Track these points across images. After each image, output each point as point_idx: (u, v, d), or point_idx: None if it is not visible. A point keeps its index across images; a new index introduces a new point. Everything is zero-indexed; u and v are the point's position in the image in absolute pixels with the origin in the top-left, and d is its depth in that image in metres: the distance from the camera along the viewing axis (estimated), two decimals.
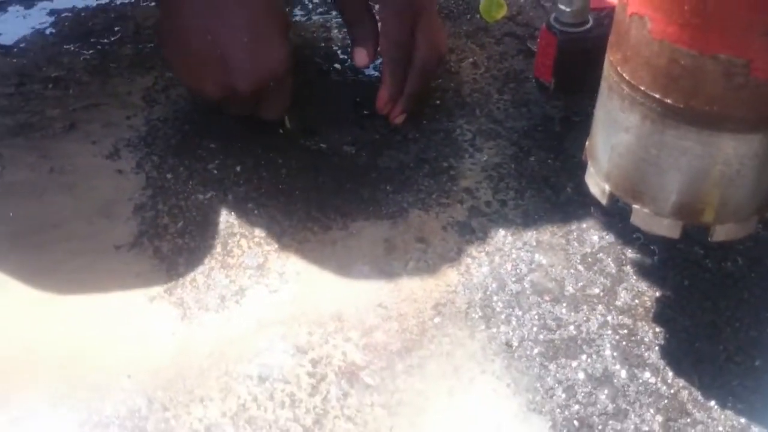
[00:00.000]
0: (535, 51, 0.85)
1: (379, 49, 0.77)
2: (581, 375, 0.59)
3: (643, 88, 0.47)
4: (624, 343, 0.61)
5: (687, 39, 0.44)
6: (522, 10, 0.95)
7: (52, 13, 0.94)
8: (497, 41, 0.91)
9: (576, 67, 0.73)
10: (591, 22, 0.72)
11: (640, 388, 0.59)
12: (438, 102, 0.83)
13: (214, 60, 0.68)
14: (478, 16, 0.94)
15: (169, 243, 0.68)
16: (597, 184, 0.54)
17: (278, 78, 0.70)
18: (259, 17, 0.68)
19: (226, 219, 0.70)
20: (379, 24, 0.77)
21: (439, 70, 0.82)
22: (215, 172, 0.75)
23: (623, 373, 0.59)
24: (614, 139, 0.51)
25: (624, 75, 0.48)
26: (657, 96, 0.47)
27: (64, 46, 0.88)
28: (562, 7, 0.71)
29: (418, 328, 0.61)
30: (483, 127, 0.80)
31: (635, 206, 0.52)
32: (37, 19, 0.92)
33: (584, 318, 0.62)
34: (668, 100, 0.46)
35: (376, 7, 0.78)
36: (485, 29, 0.92)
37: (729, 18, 0.42)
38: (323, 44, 0.89)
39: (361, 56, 0.78)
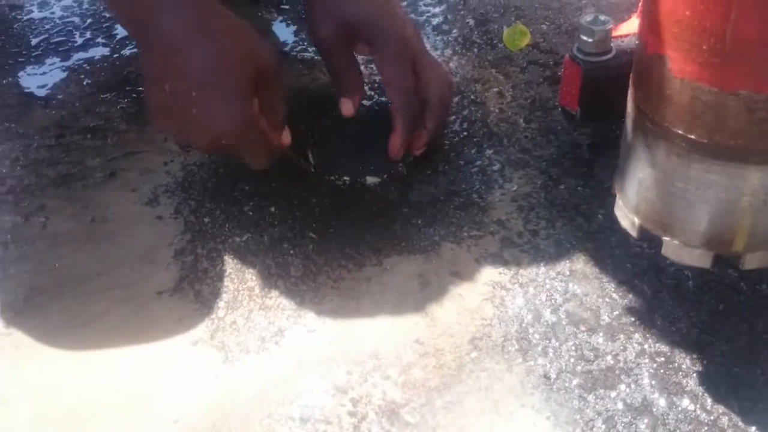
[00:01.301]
0: (560, 76, 0.85)
1: (387, 98, 0.78)
2: (620, 405, 0.59)
3: (666, 125, 0.48)
4: (662, 371, 0.61)
5: (707, 77, 0.44)
6: (545, 37, 0.96)
7: (87, 62, 0.97)
8: (522, 70, 0.92)
9: (601, 96, 0.73)
10: (614, 51, 0.73)
11: (679, 416, 0.59)
12: (465, 133, 0.84)
13: (175, 112, 0.65)
14: (501, 45, 0.95)
15: (209, 287, 0.70)
16: (627, 217, 0.54)
17: (234, 134, 0.65)
18: (214, 70, 0.63)
19: (263, 260, 0.72)
20: (381, 73, 0.77)
21: (453, 99, 0.84)
22: (250, 214, 0.76)
23: (662, 402, 0.59)
24: (641, 174, 0.51)
25: (647, 112, 0.49)
26: (681, 132, 0.47)
27: (101, 96, 0.91)
28: (584, 37, 0.72)
29: (456, 363, 0.62)
30: (511, 156, 0.80)
31: (665, 238, 0.52)
32: (74, 70, 0.96)
33: (621, 347, 0.63)
34: (692, 136, 0.47)
35: (360, 57, 0.80)
36: (509, 58, 0.94)
37: (747, 56, 0.43)
38: None
39: (347, 107, 0.78)
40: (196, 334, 0.66)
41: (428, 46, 0.96)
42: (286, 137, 0.73)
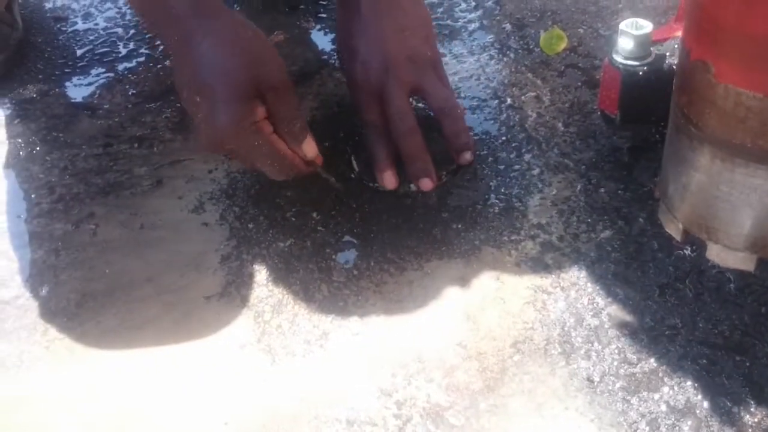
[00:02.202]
0: (599, 80, 0.86)
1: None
2: (664, 407, 0.60)
3: (710, 129, 0.48)
4: (705, 373, 0.61)
5: (751, 83, 0.45)
6: (582, 41, 0.96)
7: (132, 73, 0.99)
8: (559, 74, 0.92)
9: (641, 100, 0.74)
10: (653, 55, 0.73)
11: (723, 418, 0.59)
12: (504, 138, 0.84)
13: (192, 117, 0.69)
14: (538, 49, 0.96)
15: (255, 291, 0.71)
16: (670, 221, 0.55)
17: (235, 139, 0.67)
18: (214, 77, 0.66)
19: (307, 265, 0.73)
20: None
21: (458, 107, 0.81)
22: (293, 219, 0.78)
23: (706, 404, 0.60)
24: (685, 178, 0.52)
25: (691, 117, 0.49)
26: (724, 137, 0.48)
27: (146, 105, 0.93)
28: (624, 42, 0.73)
29: (498, 366, 0.63)
30: (550, 161, 0.81)
31: (709, 241, 0.53)
32: (119, 80, 0.98)
33: (664, 350, 0.63)
34: (736, 141, 0.47)
35: None
36: (546, 62, 0.94)
37: None
38: None
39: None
40: (244, 337, 0.68)
41: (465, 52, 0.97)
42: (311, 149, 0.73)
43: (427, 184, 0.77)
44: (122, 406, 0.63)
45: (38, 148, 0.89)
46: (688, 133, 0.50)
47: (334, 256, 0.74)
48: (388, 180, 0.77)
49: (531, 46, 0.97)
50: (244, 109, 0.66)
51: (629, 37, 0.72)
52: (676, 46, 0.74)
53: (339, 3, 0.80)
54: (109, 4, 1.12)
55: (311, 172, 0.75)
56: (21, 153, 0.89)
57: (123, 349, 0.68)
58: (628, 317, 0.65)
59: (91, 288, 0.73)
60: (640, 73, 0.72)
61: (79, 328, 0.70)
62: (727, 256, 0.52)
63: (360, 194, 0.80)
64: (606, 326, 0.65)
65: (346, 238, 0.75)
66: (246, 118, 0.67)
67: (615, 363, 0.62)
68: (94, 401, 0.64)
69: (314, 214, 0.78)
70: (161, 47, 1.03)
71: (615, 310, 0.66)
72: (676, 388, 0.61)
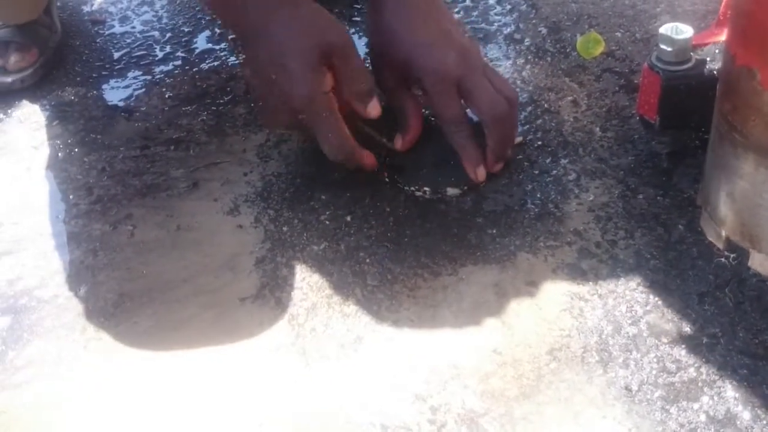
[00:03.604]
0: (637, 85, 0.85)
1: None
2: (703, 417, 0.59)
3: (755, 137, 0.47)
4: (745, 383, 0.60)
5: None
6: (620, 45, 0.95)
7: (168, 76, 1.00)
8: (596, 78, 0.91)
9: (681, 105, 0.73)
10: (693, 60, 0.72)
11: (764, 429, 0.58)
12: (540, 142, 0.84)
13: (260, 95, 0.75)
14: (575, 53, 0.95)
15: (289, 294, 0.71)
16: (713, 229, 0.54)
17: (308, 109, 0.72)
18: (285, 53, 0.71)
19: (340, 269, 0.73)
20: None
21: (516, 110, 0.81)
22: (327, 222, 0.78)
23: (746, 415, 0.58)
24: (729, 186, 0.51)
25: (735, 124, 0.48)
26: None
27: (182, 108, 0.94)
28: (664, 46, 0.72)
29: (534, 373, 0.62)
30: (587, 166, 0.80)
31: (752, 250, 0.52)
32: (155, 83, 0.99)
33: (704, 359, 0.62)
34: None
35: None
36: (583, 66, 0.93)
37: None
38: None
39: (398, 142, 0.82)
40: (278, 339, 0.68)
41: (500, 55, 0.96)
42: (375, 110, 0.76)
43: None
44: (158, 405, 0.64)
45: (76, 150, 0.90)
46: (731, 140, 0.49)
47: (367, 260, 0.74)
48: (482, 173, 0.78)
49: (567, 50, 0.96)
50: (315, 77, 0.71)
51: (669, 41, 0.71)
52: (716, 51, 0.73)
53: (372, 17, 0.80)
54: (145, 8, 1.14)
55: (364, 163, 0.78)
56: (60, 155, 0.90)
57: (159, 349, 0.68)
58: (666, 325, 0.65)
59: (128, 288, 0.74)
60: (681, 77, 0.71)
61: (116, 327, 0.70)
62: None
63: (394, 198, 0.80)
64: (644, 334, 0.64)
65: (380, 241, 0.75)
66: (319, 86, 0.72)
67: (654, 372, 0.61)
68: (131, 400, 0.65)
69: (348, 218, 0.78)
70: (197, 51, 1.04)
71: (654, 318, 0.65)
72: (715, 398, 0.60)
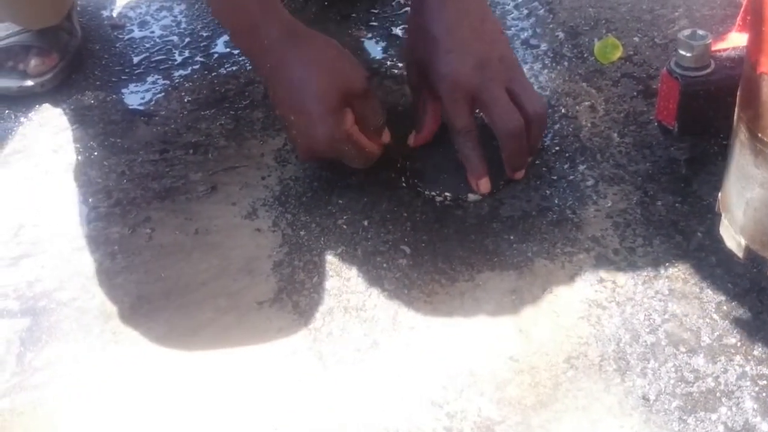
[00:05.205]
0: (655, 90, 0.84)
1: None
2: (721, 428, 0.58)
3: None
4: (764, 394, 0.60)
5: None
6: (638, 50, 0.95)
7: (187, 80, 1.01)
8: (614, 83, 0.91)
9: (700, 111, 0.72)
10: (713, 66, 0.72)
11: None
12: (557, 148, 0.84)
13: (286, 131, 0.79)
14: (592, 58, 0.95)
15: (306, 298, 0.72)
16: (732, 237, 0.53)
17: (329, 149, 0.75)
18: (306, 97, 0.73)
19: (357, 273, 0.73)
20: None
21: (542, 128, 0.80)
22: (344, 227, 0.78)
23: (764, 426, 0.58)
24: (749, 194, 0.50)
25: (756, 132, 0.48)
26: None
27: (201, 113, 0.95)
28: (683, 52, 0.71)
29: (551, 381, 0.62)
30: (605, 172, 0.80)
31: None
32: (174, 87, 1.00)
33: (722, 369, 0.61)
34: None
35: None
36: (601, 71, 0.93)
37: None
38: None
39: (411, 139, 0.84)
40: (295, 343, 0.68)
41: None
42: (387, 137, 0.80)
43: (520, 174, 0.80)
44: (174, 408, 0.64)
45: (96, 154, 0.91)
46: (752, 148, 0.49)
47: (384, 265, 0.74)
48: (485, 185, 0.78)
49: (585, 55, 0.96)
50: (335, 121, 0.73)
51: (688, 47, 0.71)
52: (736, 56, 0.73)
53: (413, 10, 0.80)
54: (164, 12, 1.14)
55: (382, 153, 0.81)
56: (79, 158, 0.91)
57: (177, 352, 0.69)
58: (685, 335, 0.64)
59: (147, 291, 0.74)
60: (700, 83, 0.71)
61: (134, 330, 0.71)
62: None
63: (411, 203, 0.80)
64: (662, 343, 0.64)
65: (397, 246, 0.75)
66: (338, 128, 0.74)
67: (671, 381, 0.61)
68: (147, 403, 0.65)
69: (365, 222, 0.78)
70: (216, 56, 1.04)
71: (672, 327, 0.65)
72: (734, 408, 0.59)
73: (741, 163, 0.51)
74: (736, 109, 0.51)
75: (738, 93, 0.50)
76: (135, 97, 1.00)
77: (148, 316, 0.72)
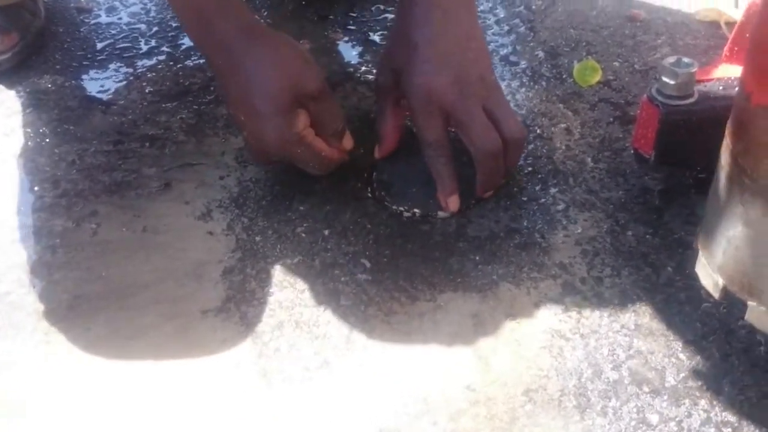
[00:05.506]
0: (633, 117, 0.82)
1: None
2: None
3: (766, 182, 0.44)
4: None
5: None
6: (617, 75, 0.93)
7: (150, 70, 0.96)
8: (592, 107, 0.88)
9: (679, 141, 0.70)
10: (696, 96, 0.69)
11: None
12: (530, 168, 0.81)
13: (238, 127, 0.75)
14: (571, 80, 0.92)
15: (256, 309, 0.68)
16: (709, 276, 0.50)
17: (281, 151, 0.72)
18: (257, 96, 0.69)
19: (313, 286, 0.70)
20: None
21: (519, 151, 0.77)
22: (303, 236, 0.74)
23: None
24: (731, 232, 0.48)
25: (745, 167, 0.45)
26: None
27: (162, 105, 0.90)
28: (666, 79, 0.69)
29: (508, 415, 0.59)
30: (577, 197, 0.77)
31: (751, 303, 0.48)
32: (137, 77, 0.95)
33: (686, 413, 0.59)
34: None
35: None
36: (579, 94, 0.90)
37: None
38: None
39: (375, 151, 0.80)
40: (239, 357, 0.64)
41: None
42: (349, 143, 0.77)
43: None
44: (105, 416, 0.60)
45: (48, 140, 0.86)
46: (740, 183, 0.46)
47: (343, 279, 0.70)
48: (454, 203, 0.75)
49: (564, 76, 0.93)
50: (285, 121, 0.70)
51: (672, 74, 0.68)
52: (721, 88, 0.71)
53: (398, 14, 0.77)
54: None
55: (344, 160, 0.78)
56: (30, 143, 0.86)
57: (111, 357, 0.64)
58: (649, 374, 0.61)
59: (86, 290, 0.70)
60: (681, 112, 0.68)
61: (68, 332, 0.66)
62: None
63: (375, 215, 0.76)
64: (626, 381, 0.61)
65: (358, 260, 0.72)
66: (289, 130, 0.70)
67: (633, 423, 0.58)
68: (75, 410, 0.60)
69: (326, 232, 0.74)
70: (183, 47, 1.00)
71: (636, 365, 0.62)
72: None
73: (726, 198, 0.48)
74: (725, 142, 0.48)
75: (728, 125, 0.48)
76: (94, 84, 0.95)
77: (84, 317, 0.67)
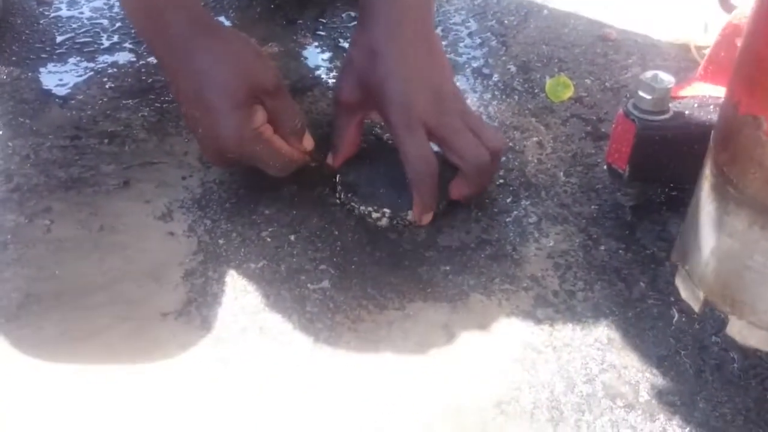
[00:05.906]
0: (605, 133, 0.82)
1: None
2: None
3: (752, 192, 0.43)
4: None
5: None
6: (589, 92, 0.93)
7: (112, 66, 0.93)
8: (564, 122, 0.88)
9: (654, 157, 0.69)
10: (671, 112, 0.69)
11: None
12: (502, 180, 0.80)
13: (192, 131, 0.71)
14: (543, 95, 0.92)
15: (218, 313, 0.65)
16: (690, 289, 0.50)
17: (237, 149, 0.68)
18: (210, 92, 0.66)
19: (278, 291, 0.67)
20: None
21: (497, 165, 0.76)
22: (269, 240, 0.72)
23: None
24: (714, 243, 0.47)
25: (731, 176, 0.44)
26: None
27: (123, 101, 0.87)
28: (643, 94, 0.68)
29: (479, 427, 0.57)
30: (549, 210, 0.76)
31: (732, 316, 0.47)
32: (97, 72, 0.92)
33: (660, 428, 0.58)
34: None
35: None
36: (551, 109, 0.90)
37: None
38: None
39: (328, 159, 0.78)
40: (199, 363, 0.61)
41: (467, 88, 0.92)
42: (309, 143, 0.75)
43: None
44: (52, 422, 0.56)
45: (1, 133, 0.82)
46: (724, 194, 0.45)
47: (309, 285, 0.68)
48: (428, 219, 0.73)
49: (536, 91, 0.93)
50: (242, 117, 0.67)
51: (649, 89, 0.68)
52: (696, 105, 0.71)
53: (360, 26, 0.74)
54: None
55: (307, 162, 0.76)
56: None
57: (62, 360, 0.60)
58: (623, 388, 0.60)
59: (37, 289, 0.66)
60: (657, 128, 0.68)
61: (18, 331, 0.62)
62: (750, 333, 0.47)
63: (344, 221, 0.74)
64: (599, 395, 0.59)
65: (325, 266, 0.69)
66: (245, 126, 0.68)
67: None
68: (23, 413, 0.56)
69: (292, 237, 0.72)
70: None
71: (609, 379, 0.61)
72: None
73: (709, 209, 0.47)
74: (709, 153, 0.48)
75: (713, 134, 0.47)
76: (52, 77, 0.92)
77: (36, 317, 0.64)
